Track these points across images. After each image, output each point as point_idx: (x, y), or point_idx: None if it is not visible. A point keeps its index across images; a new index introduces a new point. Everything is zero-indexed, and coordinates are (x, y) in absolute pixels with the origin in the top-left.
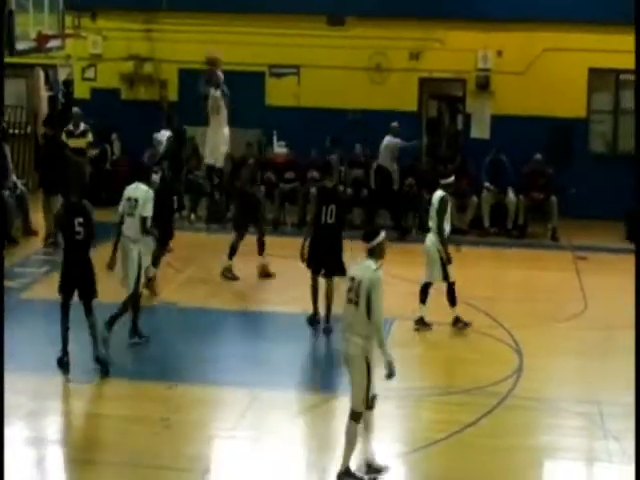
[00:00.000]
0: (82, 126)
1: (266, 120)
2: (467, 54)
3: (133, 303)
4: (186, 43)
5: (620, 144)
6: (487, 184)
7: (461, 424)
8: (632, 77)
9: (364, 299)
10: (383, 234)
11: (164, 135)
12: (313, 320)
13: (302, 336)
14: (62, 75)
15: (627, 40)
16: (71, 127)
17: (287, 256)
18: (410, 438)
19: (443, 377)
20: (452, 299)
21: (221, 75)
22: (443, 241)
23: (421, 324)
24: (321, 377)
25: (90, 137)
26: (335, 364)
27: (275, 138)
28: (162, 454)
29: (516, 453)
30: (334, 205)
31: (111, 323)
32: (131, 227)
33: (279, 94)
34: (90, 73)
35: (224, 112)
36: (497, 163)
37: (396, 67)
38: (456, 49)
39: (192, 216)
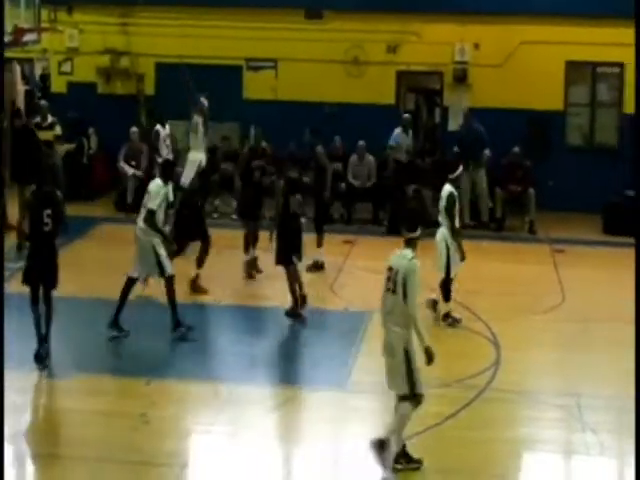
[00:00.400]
0: (50, 119)
1: (243, 114)
2: (444, 47)
3: (123, 292)
4: (163, 37)
5: (597, 137)
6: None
7: (439, 417)
8: (609, 70)
9: (401, 287)
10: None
11: (166, 130)
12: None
13: (279, 330)
14: (38, 69)
15: (603, 33)
16: (39, 119)
17: (265, 249)
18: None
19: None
20: (447, 294)
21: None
22: (455, 236)
23: (449, 319)
24: (297, 371)
25: (58, 130)
26: (311, 358)
27: (252, 132)
28: (140, 449)
29: (494, 445)
30: (299, 195)
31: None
32: (141, 216)
33: (256, 88)
34: (67, 67)
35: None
36: (472, 134)
37: (373, 60)
38: (433, 42)
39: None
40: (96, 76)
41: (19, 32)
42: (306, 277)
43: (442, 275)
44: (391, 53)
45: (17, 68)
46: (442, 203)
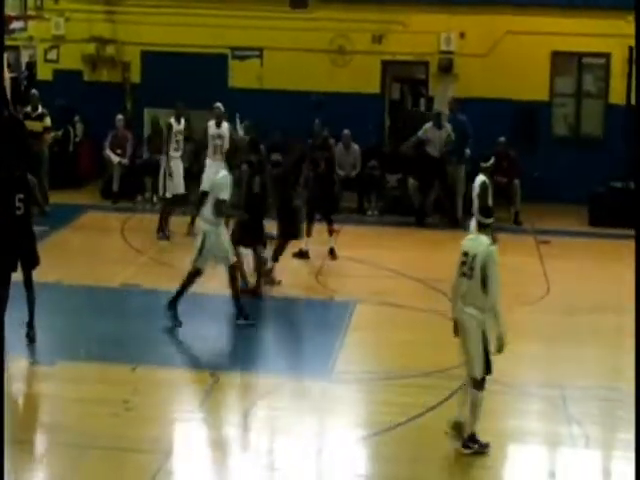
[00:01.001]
0: (40, 109)
1: (229, 102)
2: (430, 36)
3: (188, 279)
4: (149, 25)
5: (583, 127)
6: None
7: (423, 407)
8: (595, 60)
9: (478, 272)
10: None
11: (181, 125)
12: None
13: (264, 318)
14: (25, 57)
15: (589, 24)
16: (29, 109)
17: None
18: (371, 422)
19: (405, 360)
20: None
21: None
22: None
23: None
24: (282, 360)
25: (48, 122)
26: (295, 347)
27: (238, 120)
28: (124, 436)
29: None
30: (259, 177)
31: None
32: (208, 208)
33: (242, 76)
34: (52, 55)
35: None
36: (456, 127)
37: (359, 50)
38: (419, 31)
39: (154, 198)
40: (82, 64)
41: (6, 20)
42: (291, 265)
43: None
44: (376, 43)
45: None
46: (475, 191)
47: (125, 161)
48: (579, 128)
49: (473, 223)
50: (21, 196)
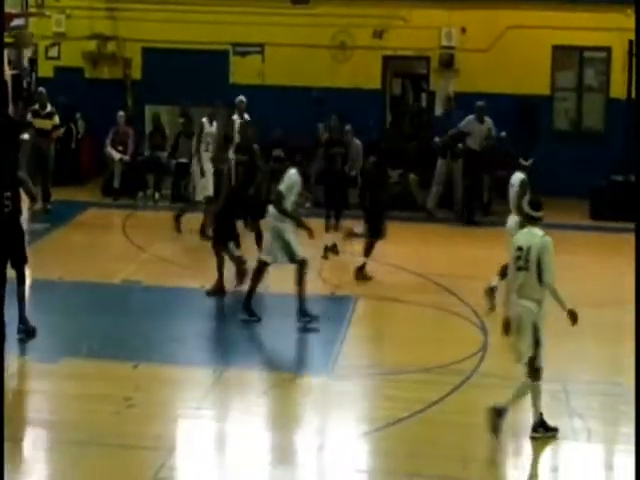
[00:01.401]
0: (49, 107)
1: (230, 98)
2: (431, 32)
3: (255, 276)
4: (150, 22)
5: (584, 121)
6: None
7: (425, 402)
8: (596, 54)
9: (534, 264)
10: None
11: (213, 127)
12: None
13: (265, 314)
14: (26, 54)
15: (590, 18)
16: (37, 107)
17: (250, 234)
18: (373, 417)
19: (407, 355)
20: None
21: None
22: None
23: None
24: (284, 356)
25: (56, 119)
26: (297, 343)
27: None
28: (126, 433)
29: (481, 431)
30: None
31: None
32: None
33: (243, 72)
34: (54, 52)
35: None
36: (453, 123)
37: (360, 45)
38: (420, 27)
39: (156, 195)
40: (83, 61)
41: (7, 17)
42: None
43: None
44: (377, 38)
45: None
46: (514, 190)
47: (126, 158)
48: (580, 122)
49: (512, 219)
50: (8, 194)
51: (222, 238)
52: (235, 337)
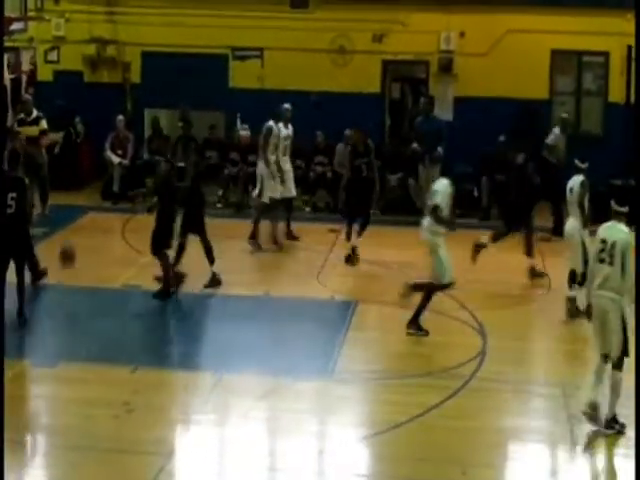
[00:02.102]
0: (35, 113)
1: (230, 102)
2: (430, 36)
3: (429, 292)
4: (149, 26)
5: (582, 125)
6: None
7: (424, 406)
8: (594, 59)
9: (619, 258)
10: None
11: (288, 130)
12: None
13: (265, 318)
14: (25, 58)
15: (589, 22)
16: (23, 115)
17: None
18: (372, 421)
19: (406, 359)
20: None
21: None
22: (585, 224)
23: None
24: (283, 360)
25: (44, 125)
26: (297, 347)
27: (239, 121)
28: (124, 438)
29: (480, 435)
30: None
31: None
32: (427, 218)
33: (242, 76)
34: (53, 56)
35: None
36: (431, 128)
37: (359, 49)
38: (419, 31)
39: (155, 199)
40: (82, 65)
41: (6, 21)
42: (291, 266)
43: (580, 268)
44: (377, 42)
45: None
46: (574, 193)
47: (126, 162)
48: (579, 126)
49: (571, 223)
50: (13, 195)
51: (159, 245)
52: (234, 341)
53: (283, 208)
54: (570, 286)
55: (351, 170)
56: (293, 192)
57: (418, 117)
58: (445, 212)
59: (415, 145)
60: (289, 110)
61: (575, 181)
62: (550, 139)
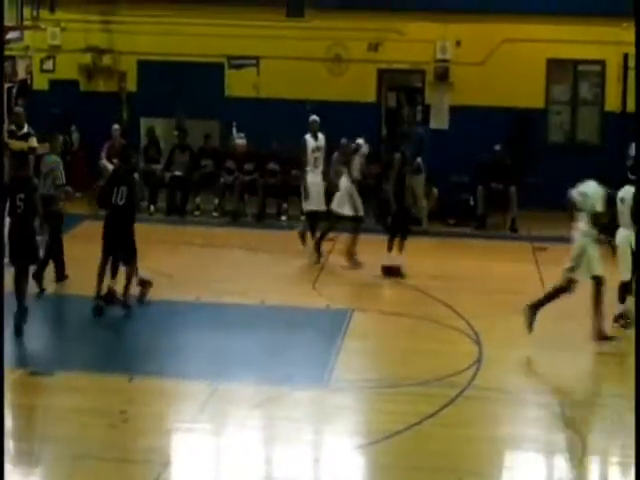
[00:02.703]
0: (25, 128)
1: (225, 111)
2: (426, 45)
3: (557, 292)
4: (145, 35)
5: (578, 134)
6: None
7: (420, 415)
8: (590, 68)
9: None
10: None
11: (319, 142)
12: (98, 305)
13: (261, 327)
14: (21, 67)
15: (585, 31)
16: (14, 127)
17: (245, 247)
18: (369, 430)
19: (402, 368)
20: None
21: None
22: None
23: (622, 320)
24: (279, 369)
25: (34, 142)
26: (292, 356)
27: (234, 129)
28: (120, 447)
29: (476, 444)
30: (125, 187)
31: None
32: (583, 221)
33: (238, 85)
34: (49, 65)
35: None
36: (411, 139)
37: (355, 58)
38: (415, 40)
39: (151, 208)
40: (78, 74)
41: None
42: (287, 274)
43: (627, 277)
44: (372, 51)
45: None
46: (625, 203)
47: None
48: (575, 135)
49: (622, 233)
50: (22, 196)
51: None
52: (230, 350)
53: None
54: (622, 299)
55: (396, 182)
56: (318, 206)
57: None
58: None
59: (397, 155)
60: (316, 122)
61: (627, 191)
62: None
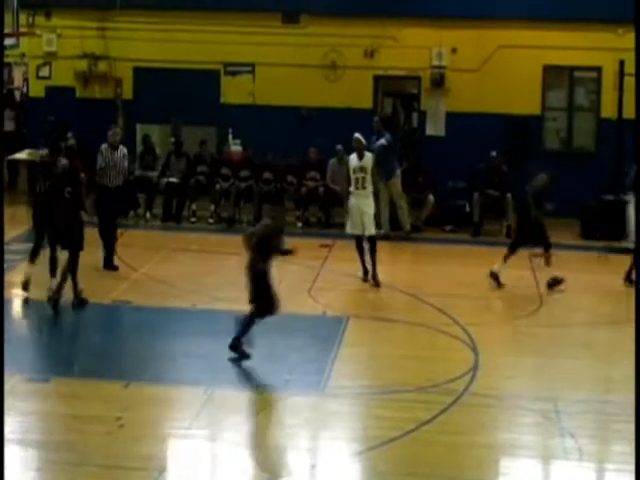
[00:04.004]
0: None
1: (221, 118)
2: (422, 51)
3: None
4: (141, 41)
5: (574, 141)
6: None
7: (417, 422)
8: (586, 74)
9: None
10: None
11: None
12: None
13: (257, 334)
14: (17, 73)
15: (581, 37)
16: None
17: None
18: (365, 436)
19: (398, 375)
20: None
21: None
22: None
23: None
24: (275, 375)
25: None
26: (289, 362)
27: (230, 136)
28: (116, 453)
29: (472, 450)
30: (70, 187)
31: None
32: None
33: (234, 92)
34: (45, 71)
35: None
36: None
37: (351, 65)
38: (411, 46)
39: (147, 214)
40: (74, 80)
41: None
42: (285, 280)
43: None
44: (368, 57)
45: None
46: None
47: None
48: (571, 141)
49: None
50: (69, 189)
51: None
52: (226, 356)
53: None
54: None
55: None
56: (358, 230)
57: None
58: None
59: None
60: (358, 140)
61: None
62: None
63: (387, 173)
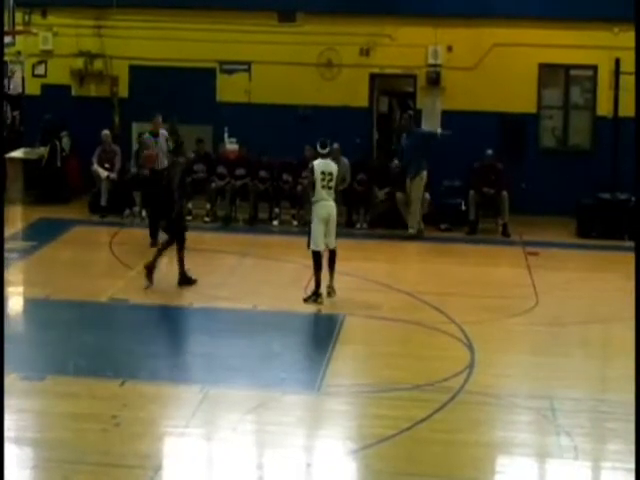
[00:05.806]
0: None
1: (217, 116)
2: (417, 50)
3: None
4: (137, 40)
5: (570, 139)
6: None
7: (412, 420)
8: (582, 72)
9: None
10: None
11: None
12: None
13: (253, 332)
14: (17, 71)
15: (577, 36)
16: None
17: (237, 252)
18: (361, 435)
19: (394, 373)
20: None
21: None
22: None
23: None
24: (271, 374)
25: None
26: (284, 361)
27: (226, 135)
28: (112, 452)
29: (468, 448)
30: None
31: None
32: None
33: (230, 90)
34: (40, 69)
35: None
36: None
37: (347, 63)
38: (406, 45)
39: (142, 212)
40: (70, 79)
41: None
42: (278, 279)
43: None
44: (364, 56)
45: None
46: None
47: (113, 175)
48: (567, 140)
49: None
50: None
51: None
52: (222, 355)
53: None
54: None
55: None
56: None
57: (402, 134)
58: None
59: (396, 161)
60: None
61: None
62: None
63: (413, 171)
